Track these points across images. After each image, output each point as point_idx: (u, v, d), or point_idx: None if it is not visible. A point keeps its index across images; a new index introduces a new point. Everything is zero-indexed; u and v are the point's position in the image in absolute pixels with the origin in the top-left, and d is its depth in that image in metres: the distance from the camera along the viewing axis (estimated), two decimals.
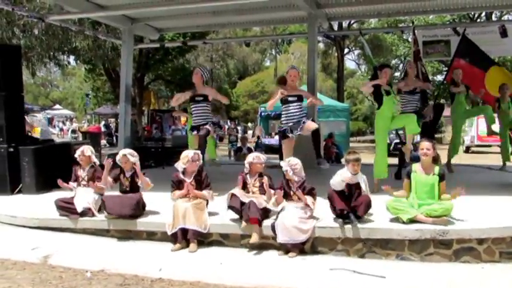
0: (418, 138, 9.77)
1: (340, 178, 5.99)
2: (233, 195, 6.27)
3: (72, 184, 7.15)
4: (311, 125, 7.72)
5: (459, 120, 10.49)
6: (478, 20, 31.89)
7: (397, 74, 44.47)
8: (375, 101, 8.49)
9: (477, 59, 11.11)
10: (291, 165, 6.15)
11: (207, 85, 9.16)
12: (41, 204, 7.70)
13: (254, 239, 5.94)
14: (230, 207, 6.23)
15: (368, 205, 5.95)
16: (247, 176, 6.56)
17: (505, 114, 10.22)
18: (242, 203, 6.16)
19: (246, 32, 31.44)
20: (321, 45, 46.31)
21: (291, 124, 7.92)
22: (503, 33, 11.75)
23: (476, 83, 10.81)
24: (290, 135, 7.94)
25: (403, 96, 8.77)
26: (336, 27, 32.20)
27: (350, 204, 5.92)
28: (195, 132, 8.63)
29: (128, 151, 6.94)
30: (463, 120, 10.95)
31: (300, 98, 8.02)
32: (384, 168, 8.25)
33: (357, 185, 6.07)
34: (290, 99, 7.91)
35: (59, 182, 7.05)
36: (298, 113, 7.94)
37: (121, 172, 6.90)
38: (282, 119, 8.15)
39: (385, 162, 8.32)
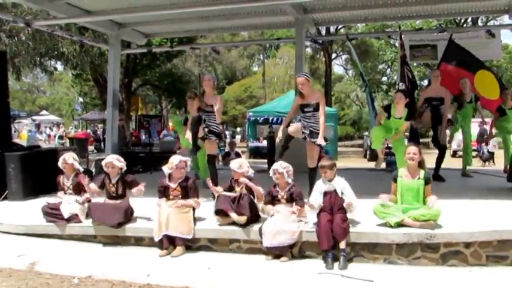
0: (406, 142, 9.81)
1: (318, 194, 5.96)
2: (219, 197, 6.32)
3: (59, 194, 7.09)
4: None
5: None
6: (464, 25, 32.20)
7: (384, 78, 45.01)
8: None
9: (465, 62, 11.15)
10: (285, 167, 6.16)
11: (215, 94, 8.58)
12: (28, 211, 7.63)
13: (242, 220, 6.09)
14: (218, 211, 6.26)
15: (346, 232, 5.73)
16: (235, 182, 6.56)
17: (508, 121, 10.20)
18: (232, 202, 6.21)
19: (233, 37, 31.53)
20: (309, 50, 46.49)
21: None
22: (492, 35, 11.90)
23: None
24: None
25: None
26: (323, 32, 32.35)
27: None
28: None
29: (115, 157, 6.90)
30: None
31: (315, 108, 7.60)
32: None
33: (336, 193, 5.92)
34: (305, 109, 7.67)
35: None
36: (310, 122, 7.67)
37: (107, 178, 6.86)
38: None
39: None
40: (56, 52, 21.22)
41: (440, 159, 10.13)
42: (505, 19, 21.26)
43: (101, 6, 10.76)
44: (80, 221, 6.76)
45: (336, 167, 6.11)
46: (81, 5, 10.56)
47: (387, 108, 8.57)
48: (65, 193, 7.04)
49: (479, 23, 30.66)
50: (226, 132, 38.28)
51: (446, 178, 9.85)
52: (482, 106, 11.10)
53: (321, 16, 12.18)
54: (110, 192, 6.83)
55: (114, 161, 6.75)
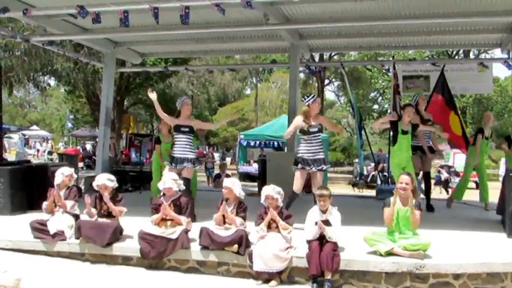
0: None
1: (312, 225, 5.90)
2: (202, 231, 6.23)
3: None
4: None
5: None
6: (456, 57, 32.57)
7: (375, 106, 45.23)
8: (392, 138, 8.90)
9: (449, 97, 11.17)
10: (278, 191, 6.13)
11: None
12: (15, 226, 7.55)
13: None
14: (202, 246, 6.22)
15: (338, 263, 5.69)
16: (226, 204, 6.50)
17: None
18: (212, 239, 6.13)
19: (228, 60, 31.67)
20: (301, 75, 46.71)
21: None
22: (485, 66, 12.01)
23: (444, 122, 10.82)
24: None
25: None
26: (317, 59, 32.56)
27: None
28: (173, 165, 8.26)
29: (106, 177, 6.85)
30: None
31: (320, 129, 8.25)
32: None
33: (328, 223, 5.87)
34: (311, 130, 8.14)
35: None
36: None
37: (99, 196, 6.80)
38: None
39: None
40: (50, 68, 21.16)
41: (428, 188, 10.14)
42: (496, 52, 21.58)
43: (97, 24, 10.79)
44: (65, 239, 6.70)
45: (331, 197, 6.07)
46: (78, 23, 10.59)
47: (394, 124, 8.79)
48: (56, 206, 6.95)
49: (471, 56, 31.00)
50: (216, 154, 38.21)
51: (435, 208, 9.83)
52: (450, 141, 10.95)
53: (316, 42, 12.32)
54: (101, 211, 6.77)
55: (106, 182, 6.71)
